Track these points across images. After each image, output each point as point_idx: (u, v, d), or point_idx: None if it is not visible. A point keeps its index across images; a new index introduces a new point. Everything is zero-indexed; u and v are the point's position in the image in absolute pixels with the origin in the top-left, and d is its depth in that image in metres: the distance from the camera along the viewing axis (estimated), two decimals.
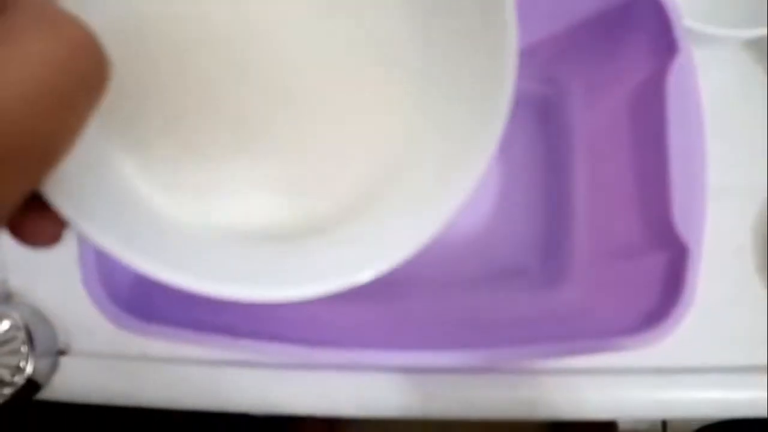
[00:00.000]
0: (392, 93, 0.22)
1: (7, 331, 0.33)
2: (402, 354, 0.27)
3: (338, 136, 0.22)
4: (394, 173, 0.22)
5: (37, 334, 0.34)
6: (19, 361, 0.33)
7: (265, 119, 0.21)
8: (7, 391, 0.32)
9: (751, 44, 0.39)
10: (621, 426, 0.69)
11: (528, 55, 0.36)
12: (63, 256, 0.31)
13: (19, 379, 0.33)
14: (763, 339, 0.37)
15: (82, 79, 0.13)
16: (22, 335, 0.33)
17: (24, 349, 0.33)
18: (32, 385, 0.34)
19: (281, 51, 0.21)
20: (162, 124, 0.21)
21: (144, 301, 0.30)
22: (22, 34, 0.11)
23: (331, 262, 0.21)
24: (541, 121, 0.38)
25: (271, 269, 0.21)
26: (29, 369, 0.33)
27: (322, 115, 0.22)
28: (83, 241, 0.28)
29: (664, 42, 0.30)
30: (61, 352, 0.35)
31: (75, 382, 0.34)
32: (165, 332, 0.27)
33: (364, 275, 0.19)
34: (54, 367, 0.35)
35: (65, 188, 0.16)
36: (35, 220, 0.15)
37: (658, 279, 0.30)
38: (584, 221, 0.35)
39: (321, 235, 0.22)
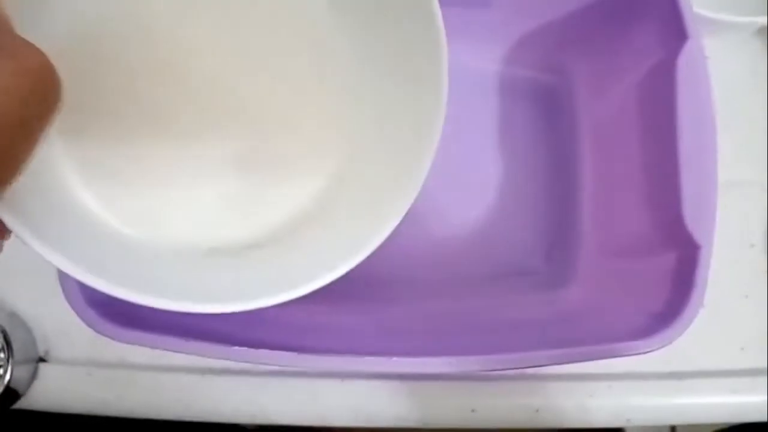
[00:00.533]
0: (333, 106, 0.23)
1: None
2: (402, 360, 0.26)
3: (285, 149, 0.23)
4: (341, 180, 0.23)
5: (16, 341, 0.32)
6: None
7: (213, 136, 0.22)
8: None
9: (762, 33, 0.38)
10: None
11: (532, 43, 0.35)
12: (41, 260, 0.30)
13: None
14: None
15: (39, 103, 0.13)
16: (0, 342, 0.32)
17: (2, 355, 0.32)
18: (11, 393, 0.32)
19: (223, 68, 0.22)
20: (111, 141, 0.21)
21: (126, 306, 0.29)
22: None
23: (288, 269, 0.21)
24: (546, 111, 0.36)
25: (226, 281, 0.21)
26: (8, 377, 0.31)
27: (267, 129, 0.23)
28: None
29: (674, 29, 0.28)
30: (41, 359, 0.34)
31: (54, 390, 0.33)
32: (145, 338, 0.26)
33: (323, 279, 0.20)
34: (33, 375, 0.33)
35: (12, 202, 0.16)
36: None
37: (668, 279, 0.28)
38: (590, 218, 0.34)
39: (275, 244, 0.22)
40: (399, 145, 0.22)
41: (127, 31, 0.20)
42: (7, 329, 0.32)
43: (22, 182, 0.14)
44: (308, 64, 0.23)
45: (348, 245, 0.21)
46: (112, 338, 0.26)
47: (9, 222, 0.16)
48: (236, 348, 0.26)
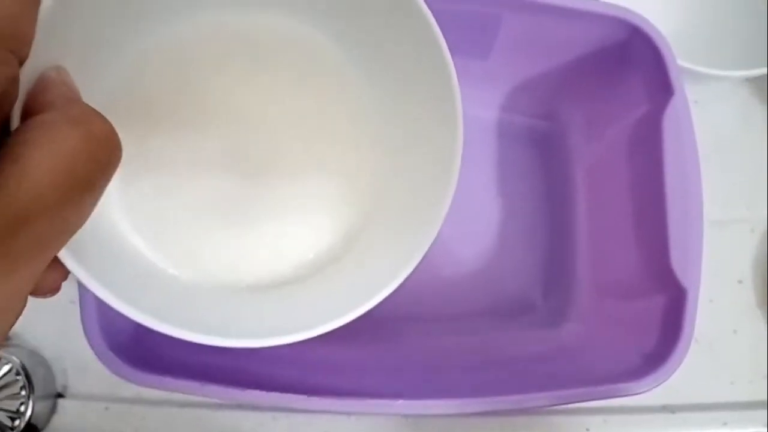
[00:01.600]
0: (360, 149, 0.25)
1: (6, 375, 0.33)
2: (406, 403, 0.27)
3: (315, 190, 0.24)
4: (367, 219, 0.24)
5: (36, 377, 0.34)
6: (19, 405, 0.33)
7: (247, 182, 0.24)
8: None
9: (751, 79, 0.39)
10: None
11: (528, 91, 0.37)
12: (60, 296, 0.31)
13: (20, 423, 0.33)
14: (765, 373, 0.36)
15: (103, 166, 0.15)
16: (21, 379, 0.33)
17: (23, 392, 0.33)
18: (31, 429, 0.33)
19: (257, 118, 0.24)
20: (155, 188, 0.23)
21: (146, 347, 0.30)
22: (58, 133, 0.14)
23: (313, 307, 0.22)
24: (542, 155, 0.38)
25: (256, 318, 0.22)
26: (29, 413, 0.33)
27: (299, 173, 0.24)
28: (85, 292, 0.28)
29: (660, 83, 0.30)
30: (59, 395, 0.35)
31: (73, 424, 0.34)
32: (163, 382, 0.27)
33: (346, 317, 0.21)
34: (52, 410, 0.34)
35: (73, 248, 0.17)
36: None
37: (658, 320, 0.30)
38: (585, 258, 0.35)
39: (301, 282, 0.24)
40: (421, 183, 0.24)
41: (169, 86, 0.22)
42: (28, 367, 0.34)
43: (82, 229, 0.16)
44: (337, 112, 0.25)
45: (373, 282, 0.22)
46: (133, 382, 0.27)
47: (72, 267, 0.17)
48: (249, 391, 0.27)
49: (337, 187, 0.25)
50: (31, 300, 0.39)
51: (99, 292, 0.18)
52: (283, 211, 0.24)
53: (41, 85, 0.16)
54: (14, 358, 0.33)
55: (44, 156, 0.13)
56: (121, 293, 0.19)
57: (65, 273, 0.18)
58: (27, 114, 0.15)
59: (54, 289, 0.18)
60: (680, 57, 0.31)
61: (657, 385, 0.28)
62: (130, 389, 0.35)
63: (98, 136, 0.15)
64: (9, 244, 0.13)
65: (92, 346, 0.28)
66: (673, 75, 0.30)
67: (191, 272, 0.23)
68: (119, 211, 0.22)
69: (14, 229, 0.13)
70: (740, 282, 0.37)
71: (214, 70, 0.23)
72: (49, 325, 0.36)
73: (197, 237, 0.23)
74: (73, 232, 0.15)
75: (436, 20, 0.21)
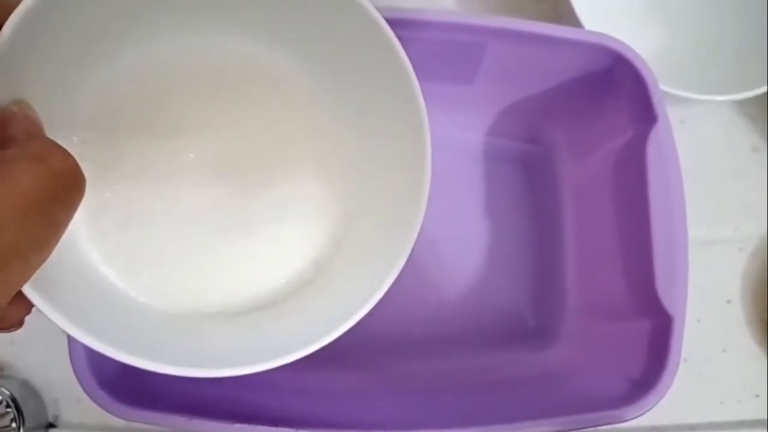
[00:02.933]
0: (330, 178, 0.25)
1: None
2: None
3: (287, 217, 0.25)
4: (338, 246, 0.25)
5: (27, 409, 0.34)
6: None
7: (217, 206, 0.24)
8: None
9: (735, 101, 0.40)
10: None
11: (514, 115, 0.37)
12: (50, 327, 0.31)
13: None
14: (754, 392, 0.37)
15: (64, 202, 0.15)
16: (12, 411, 0.33)
17: (14, 425, 0.33)
18: None
19: (226, 146, 0.24)
20: (124, 217, 0.23)
21: (135, 379, 0.30)
22: (19, 169, 0.14)
23: (287, 333, 0.23)
24: (528, 178, 0.38)
25: (228, 346, 0.23)
26: None
27: (269, 199, 0.24)
28: None
29: (643, 109, 0.30)
30: (51, 425, 0.35)
31: None
32: (151, 417, 0.27)
33: (319, 342, 0.21)
34: None
35: (38, 281, 0.17)
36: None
37: (645, 345, 0.30)
38: (574, 281, 0.35)
39: (273, 307, 0.24)
40: (390, 210, 0.24)
41: (135, 113, 0.23)
42: (18, 398, 0.34)
43: (48, 262, 0.16)
44: (307, 142, 0.25)
45: (346, 307, 0.22)
46: (122, 417, 0.27)
47: (36, 301, 0.17)
48: (237, 425, 0.27)
49: (306, 213, 0.25)
50: (21, 330, 0.38)
51: (63, 325, 0.18)
52: (254, 236, 0.24)
53: (2, 120, 0.16)
54: (4, 389, 0.33)
55: (3, 194, 0.13)
56: (88, 325, 0.19)
57: (29, 307, 0.18)
58: None
59: (17, 323, 0.18)
60: (664, 81, 0.31)
61: (644, 413, 0.28)
62: (121, 419, 0.35)
63: (59, 172, 0.15)
64: None
65: (80, 381, 0.28)
66: (656, 101, 0.30)
67: (163, 300, 0.23)
68: (88, 242, 0.22)
69: None
70: (729, 302, 0.38)
71: (180, 95, 0.23)
72: (40, 355, 0.36)
73: (168, 264, 0.23)
74: (35, 268, 0.15)
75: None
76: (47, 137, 0.16)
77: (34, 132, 0.17)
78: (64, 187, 0.15)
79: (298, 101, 0.24)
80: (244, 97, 0.24)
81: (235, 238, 0.24)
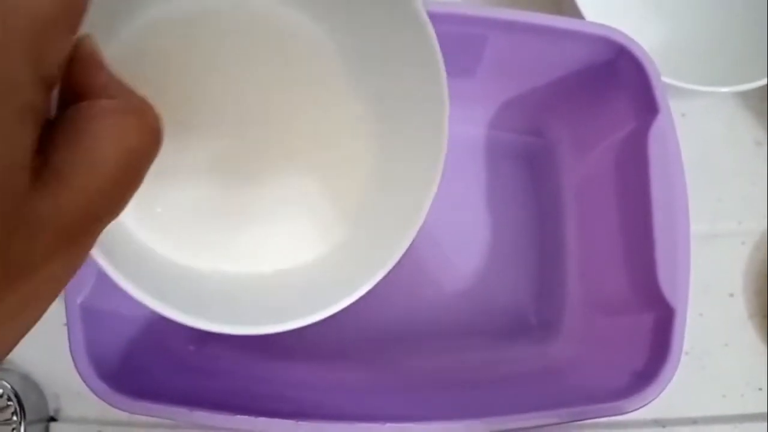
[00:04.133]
0: (355, 154, 0.25)
1: None
2: (394, 426, 0.27)
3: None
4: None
5: (28, 402, 0.34)
6: (11, 430, 0.33)
7: (235, 188, 0.24)
8: None
9: (738, 93, 0.39)
10: None
11: (516, 108, 0.37)
12: (51, 320, 0.31)
13: None
14: (756, 386, 0.36)
15: (152, 160, 0.15)
16: (13, 404, 0.33)
17: (15, 418, 0.33)
18: None
19: (251, 127, 0.24)
20: (157, 183, 0.22)
21: (136, 371, 0.30)
22: (125, 127, 0.14)
23: (317, 289, 0.23)
24: (530, 171, 0.38)
25: (256, 306, 0.23)
26: None
27: (287, 180, 0.25)
28: (72, 321, 0.28)
29: (645, 101, 0.30)
30: (52, 419, 0.35)
31: None
32: (152, 409, 0.27)
33: (352, 297, 0.22)
34: None
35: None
36: None
37: (647, 338, 0.30)
38: (576, 274, 0.35)
39: (304, 270, 0.25)
40: (405, 186, 0.24)
41: (167, 79, 0.22)
42: (20, 392, 0.34)
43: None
44: (327, 115, 0.25)
45: (372, 263, 0.23)
46: (123, 409, 0.27)
47: (101, 261, 0.19)
48: (237, 416, 0.27)
49: (324, 192, 0.25)
50: None
51: (137, 294, 0.20)
52: (272, 215, 0.24)
53: (84, 61, 0.15)
54: (5, 383, 0.33)
55: (113, 152, 0.13)
56: (137, 280, 0.20)
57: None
58: (73, 91, 0.14)
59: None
60: (666, 73, 0.31)
61: (645, 404, 0.28)
62: (122, 412, 0.35)
63: (154, 130, 0.15)
64: (77, 235, 0.13)
65: (81, 374, 0.28)
66: (658, 94, 0.30)
67: (189, 261, 0.24)
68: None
69: (83, 223, 0.13)
70: (731, 295, 0.37)
71: (205, 62, 0.23)
72: (40, 349, 0.36)
73: (193, 229, 0.24)
74: (110, 220, 0.15)
75: None
76: (137, 93, 0.15)
77: (124, 82, 0.15)
78: (156, 145, 0.15)
79: (321, 74, 0.24)
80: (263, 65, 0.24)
81: (255, 215, 0.25)
